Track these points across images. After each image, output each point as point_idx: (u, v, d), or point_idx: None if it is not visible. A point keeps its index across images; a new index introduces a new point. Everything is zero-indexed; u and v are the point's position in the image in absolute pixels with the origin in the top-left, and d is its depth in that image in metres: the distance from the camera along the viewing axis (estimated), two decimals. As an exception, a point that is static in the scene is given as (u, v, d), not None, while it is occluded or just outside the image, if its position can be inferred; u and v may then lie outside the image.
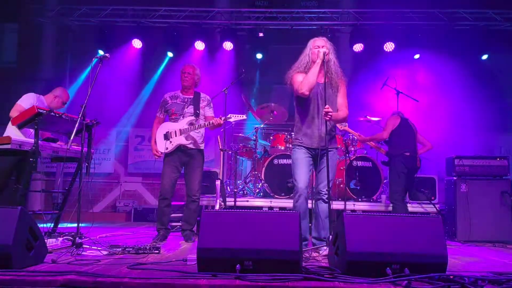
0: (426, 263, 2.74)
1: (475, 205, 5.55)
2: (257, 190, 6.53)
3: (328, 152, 3.97)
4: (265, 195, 6.36)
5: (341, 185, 6.24)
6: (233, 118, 4.85)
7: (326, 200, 4.03)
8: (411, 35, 8.19)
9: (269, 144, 6.93)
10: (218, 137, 5.87)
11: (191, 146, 4.88)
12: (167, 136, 4.88)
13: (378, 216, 3.00)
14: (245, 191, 6.85)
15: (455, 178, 5.75)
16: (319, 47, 4.06)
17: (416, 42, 8.19)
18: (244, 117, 4.99)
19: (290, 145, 6.52)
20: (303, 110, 4.13)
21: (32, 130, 4.14)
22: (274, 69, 8.98)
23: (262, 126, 7.05)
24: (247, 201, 6.10)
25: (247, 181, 7.01)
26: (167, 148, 4.84)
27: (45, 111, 4.03)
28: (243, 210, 3.11)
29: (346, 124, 5.91)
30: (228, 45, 8.50)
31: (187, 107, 4.94)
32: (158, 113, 5.07)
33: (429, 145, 5.99)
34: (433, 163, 6.98)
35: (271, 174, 6.31)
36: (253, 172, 6.78)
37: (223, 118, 4.78)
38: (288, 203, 5.95)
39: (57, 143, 4.50)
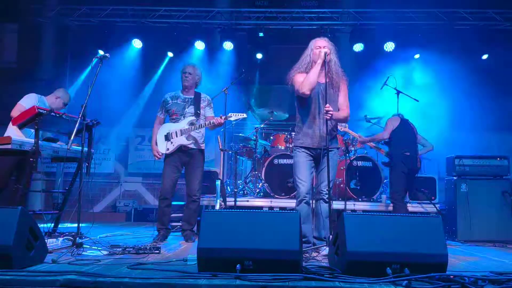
0: (426, 263, 2.74)
1: (475, 205, 5.55)
2: (257, 190, 6.54)
3: (329, 152, 3.97)
4: (266, 195, 6.37)
5: (341, 185, 6.24)
6: (234, 117, 4.85)
7: (327, 200, 4.03)
8: (411, 35, 8.18)
9: (269, 144, 6.93)
10: (218, 137, 5.87)
11: (192, 146, 4.88)
12: (167, 137, 4.88)
13: (378, 216, 3.00)
14: (245, 191, 6.85)
15: (455, 178, 5.75)
16: (320, 47, 4.07)
17: (416, 42, 8.19)
18: (245, 115, 4.99)
19: (291, 145, 6.52)
20: (304, 110, 4.14)
21: (32, 130, 4.14)
22: (274, 69, 8.99)
23: (262, 126, 7.05)
24: (248, 201, 6.10)
25: (247, 181, 7.02)
26: (168, 149, 4.84)
27: (45, 111, 4.03)
28: (243, 210, 3.12)
29: (347, 125, 5.92)
30: (228, 45, 8.50)
31: (187, 107, 4.94)
32: (159, 113, 5.07)
33: (429, 146, 5.99)
34: (433, 163, 6.98)
35: (271, 174, 6.31)
36: (253, 172, 6.78)
37: (223, 117, 4.79)
38: (288, 203, 5.95)
39: (58, 143, 4.50)
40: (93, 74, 4.09)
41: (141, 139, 9.39)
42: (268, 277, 2.58)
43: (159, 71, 9.21)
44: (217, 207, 5.57)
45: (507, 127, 8.54)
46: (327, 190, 4.00)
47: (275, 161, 6.34)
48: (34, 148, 3.98)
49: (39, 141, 4.06)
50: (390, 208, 5.66)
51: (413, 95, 6.61)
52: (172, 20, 8.45)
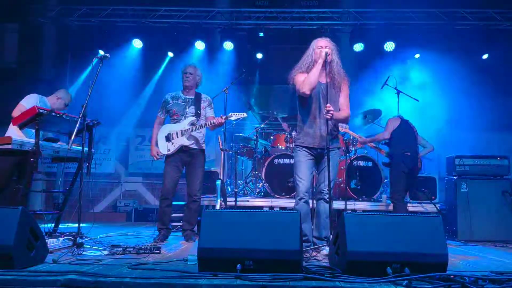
0: (426, 263, 2.74)
1: (475, 205, 5.55)
2: (258, 190, 6.54)
3: (330, 152, 3.98)
4: (266, 195, 6.37)
5: (342, 185, 6.24)
6: (234, 116, 4.85)
7: (327, 199, 4.04)
8: (412, 35, 8.18)
9: (270, 144, 6.93)
10: (219, 137, 5.88)
11: (193, 146, 4.89)
12: (168, 138, 4.88)
13: (378, 215, 3.00)
14: (245, 191, 6.85)
15: (455, 177, 5.75)
16: (322, 47, 4.07)
17: (417, 41, 8.19)
18: (245, 115, 4.99)
19: (291, 145, 6.52)
20: (305, 110, 4.14)
21: (33, 130, 4.14)
22: (274, 69, 9.00)
23: (262, 126, 7.05)
24: (248, 201, 6.10)
25: (247, 181, 7.02)
26: (169, 150, 4.85)
27: (45, 111, 4.03)
28: (243, 210, 3.12)
29: (347, 126, 5.92)
30: (228, 45, 8.51)
31: (188, 108, 4.95)
32: (159, 113, 5.07)
33: (430, 147, 6.00)
34: (434, 162, 6.98)
35: (271, 174, 6.31)
36: (254, 172, 6.78)
37: (224, 117, 4.79)
38: (288, 202, 5.95)
39: (58, 143, 4.50)
40: (94, 74, 4.09)
41: (142, 139, 9.39)
42: (268, 277, 2.58)
43: (160, 71, 9.21)
44: (218, 207, 5.58)
45: (507, 127, 8.54)
46: (327, 190, 4.00)
47: (276, 161, 6.34)
48: (34, 148, 3.98)
49: (40, 141, 4.06)
50: (391, 208, 5.66)
51: (413, 95, 6.61)
52: (172, 20, 8.45)
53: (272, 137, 6.93)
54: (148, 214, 8.37)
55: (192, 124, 4.87)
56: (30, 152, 3.99)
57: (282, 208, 5.98)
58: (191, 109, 4.94)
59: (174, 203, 4.97)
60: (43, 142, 4.24)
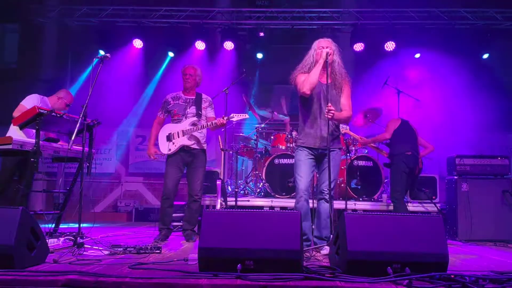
0: (427, 262, 2.74)
1: (476, 204, 5.55)
2: (258, 190, 6.54)
3: (331, 152, 3.98)
4: (266, 195, 6.37)
5: (342, 185, 6.24)
6: (236, 117, 4.86)
7: (328, 199, 4.04)
8: (412, 35, 8.18)
9: (270, 144, 6.93)
10: (219, 137, 5.88)
11: (194, 146, 4.89)
12: (169, 138, 4.88)
13: (379, 215, 3.00)
14: (246, 191, 6.85)
15: (456, 177, 5.75)
16: (323, 48, 4.07)
17: (417, 41, 8.19)
18: (247, 116, 5.00)
19: (291, 145, 6.52)
20: (306, 111, 4.15)
21: (34, 130, 4.14)
22: (275, 68, 8.99)
23: (263, 125, 7.05)
24: (248, 200, 6.10)
25: (248, 181, 7.02)
26: (170, 149, 4.86)
27: (46, 111, 4.03)
28: (244, 210, 3.12)
29: (347, 127, 5.93)
30: (228, 45, 8.51)
31: (189, 108, 4.95)
32: (159, 113, 5.08)
33: (430, 147, 6.00)
34: (434, 162, 6.98)
35: (272, 173, 6.31)
36: (254, 172, 6.78)
37: (225, 118, 4.79)
38: (289, 202, 5.95)
39: (58, 143, 4.50)
40: (94, 74, 4.09)
41: (142, 139, 9.40)
42: (269, 277, 2.58)
43: (160, 71, 9.22)
44: (218, 207, 5.58)
45: (508, 126, 8.54)
46: (328, 190, 4.01)
47: (276, 161, 6.34)
48: (35, 148, 3.98)
49: (40, 141, 4.06)
50: (391, 207, 5.66)
51: (413, 95, 6.62)
52: (172, 20, 8.46)
53: (272, 137, 6.93)
54: (149, 214, 8.37)
55: (194, 124, 4.87)
56: (31, 152, 4.00)
57: (282, 208, 5.98)
58: (192, 109, 4.95)
59: (174, 203, 4.97)
60: (43, 142, 4.25)
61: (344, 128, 5.72)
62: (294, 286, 2.50)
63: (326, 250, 3.85)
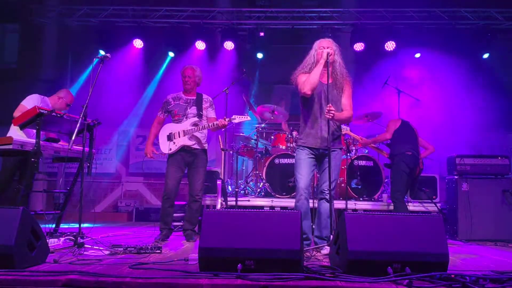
0: (427, 262, 2.74)
1: (476, 204, 5.55)
2: (258, 190, 6.53)
3: (332, 152, 3.99)
4: (266, 195, 6.37)
5: (343, 184, 6.24)
6: (237, 119, 4.86)
7: (329, 199, 4.05)
8: (412, 34, 8.18)
9: (270, 144, 6.93)
10: (219, 136, 5.88)
11: (195, 146, 4.89)
12: (170, 137, 4.88)
13: (379, 215, 3.00)
14: (246, 191, 6.85)
15: (456, 177, 5.75)
16: (323, 48, 4.07)
17: (417, 41, 8.19)
18: (248, 118, 5.00)
19: (291, 145, 6.52)
20: (307, 111, 4.16)
21: (34, 131, 4.14)
22: (275, 68, 8.99)
23: (263, 125, 7.05)
24: (248, 200, 6.10)
25: (248, 181, 7.02)
26: (170, 149, 4.86)
27: (46, 111, 4.04)
28: (244, 210, 3.12)
29: (348, 128, 5.94)
30: (229, 45, 8.51)
31: (189, 108, 4.95)
32: (159, 113, 5.08)
33: (431, 148, 6.00)
34: (435, 162, 6.98)
35: (272, 173, 6.31)
36: (254, 172, 6.78)
37: (227, 120, 4.79)
38: (289, 202, 5.95)
39: (59, 143, 4.51)
40: (94, 74, 4.09)
41: (143, 139, 9.40)
42: (269, 277, 2.58)
43: (160, 71, 9.23)
44: (218, 206, 5.58)
45: (508, 126, 8.54)
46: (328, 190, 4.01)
47: (276, 161, 6.34)
48: (35, 148, 3.99)
49: (41, 141, 4.07)
50: (391, 207, 5.66)
51: (414, 94, 6.62)
52: (172, 20, 8.46)
53: (272, 137, 6.93)
54: (149, 214, 8.37)
55: (195, 124, 4.87)
56: (31, 152, 4.00)
57: (282, 207, 5.98)
58: (192, 110, 4.95)
59: (175, 202, 4.97)
60: (44, 142, 4.25)
61: (344, 129, 5.73)
62: (295, 286, 2.50)
63: (326, 250, 3.84)
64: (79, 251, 3.60)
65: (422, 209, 6.02)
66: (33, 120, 4.02)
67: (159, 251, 3.79)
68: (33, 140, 4.03)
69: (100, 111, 6.02)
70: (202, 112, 4.96)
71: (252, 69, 9.01)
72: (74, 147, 4.30)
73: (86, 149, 4.15)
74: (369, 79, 7.83)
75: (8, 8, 8.83)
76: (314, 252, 3.86)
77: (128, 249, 3.73)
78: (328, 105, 3.91)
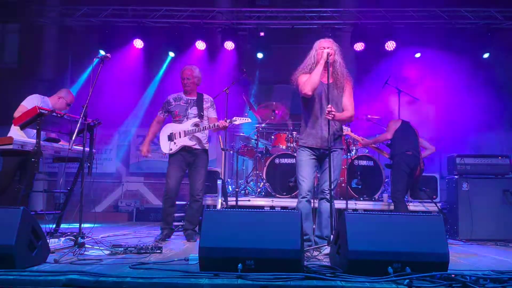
0: (427, 262, 2.74)
1: (476, 204, 5.55)
2: (259, 190, 6.53)
3: (333, 152, 4.01)
4: (267, 195, 6.36)
5: (343, 184, 6.23)
6: (238, 121, 4.86)
7: (329, 199, 4.05)
8: (412, 34, 8.17)
9: (271, 144, 6.93)
10: (220, 136, 5.88)
11: (196, 146, 4.89)
12: (171, 137, 4.89)
13: (379, 215, 3.01)
14: (246, 191, 6.85)
15: (456, 176, 5.75)
16: (324, 48, 4.08)
17: (417, 41, 8.18)
18: (249, 120, 5.00)
19: (292, 145, 6.52)
20: (308, 111, 4.16)
21: (35, 131, 4.14)
22: (275, 68, 9.00)
23: (263, 125, 7.05)
24: (249, 200, 6.10)
25: (248, 181, 7.02)
26: (171, 149, 4.87)
27: (46, 111, 4.04)
28: (244, 210, 3.12)
29: (349, 128, 5.93)
30: (229, 45, 8.51)
31: (190, 108, 4.95)
32: (159, 112, 5.09)
33: (432, 149, 6.00)
34: (435, 162, 6.98)
35: (272, 173, 6.31)
36: (255, 172, 6.78)
37: (228, 121, 4.79)
38: (289, 202, 5.95)
39: (59, 143, 4.51)
40: (94, 74, 4.09)
41: (143, 139, 9.31)
42: (269, 276, 2.58)
43: (161, 71, 9.22)
44: (219, 206, 5.58)
45: (508, 126, 8.53)
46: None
47: (276, 161, 6.34)
48: (35, 148, 3.99)
49: (41, 142, 4.07)
50: (392, 207, 5.65)
51: (414, 94, 6.61)
52: (173, 20, 8.45)
53: (273, 137, 6.93)
54: (150, 214, 8.37)
55: (196, 125, 4.87)
56: (32, 153, 4.00)
57: (283, 207, 5.98)
58: (193, 110, 4.95)
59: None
60: (44, 142, 4.25)
61: (345, 130, 5.73)
62: (295, 285, 2.50)
63: (327, 249, 3.84)
64: (79, 251, 3.60)
65: (423, 209, 6.01)
66: (34, 120, 4.02)
67: (159, 251, 3.79)
68: (34, 140, 4.03)
69: (100, 111, 6.01)
70: (203, 112, 4.96)
71: (252, 69, 9.01)
72: (75, 147, 4.30)
73: (87, 149, 4.16)
74: (370, 79, 7.83)
75: (9, 8, 8.83)
76: (315, 252, 3.86)
77: (129, 249, 3.73)
78: (328, 106, 3.91)
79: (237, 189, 5.81)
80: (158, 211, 7.79)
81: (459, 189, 5.64)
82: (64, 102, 5.05)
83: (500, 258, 4.04)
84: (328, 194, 4.04)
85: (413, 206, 6.02)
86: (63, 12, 8.51)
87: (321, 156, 4.13)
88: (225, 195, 5.71)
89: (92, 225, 4.84)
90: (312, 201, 4.14)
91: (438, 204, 5.93)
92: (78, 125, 3.91)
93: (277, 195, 6.22)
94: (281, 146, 6.65)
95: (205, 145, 4.99)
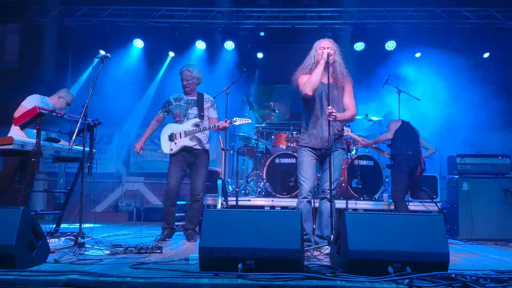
0: (428, 262, 2.73)
1: (477, 204, 5.55)
2: (259, 190, 6.53)
3: (334, 152, 4.02)
4: (267, 195, 6.36)
5: (343, 184, 6.23)
6: (238, 121, 4.87)
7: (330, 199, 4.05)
8: (413, 34, 8.18)
9: (271, 143, 6.93)
10: (220, 136, 5.88)
11: (196, 146, 4.89)
12: (171, 138, 4.89)
13: (379, 214, 3.01)
14: (246, 191, 6.85)
15: (457, 176, 5.75)
16: (324, 48, 4.08)
17: (418, 40, 8.19)
18: (249, 120, 5.00)
19: (292, 144, 6.52)
20: (308, 111, 4.17)
21: (35, 130, 4.14)
22: (275, 68, 9.00)
23: (263, 125, 7.05)
24: (249, 200, 6.10)
25: (248, 181, 7.02)
26: (171, 149, 4.87)
27: (46, 111, 4.04)
28: (245, 210, 3.12)
29: (349, 129, 5.92)
30: (229, 45, 8.51)
31: (190, 109, 4.95)
32: (160, 111, 5.09)
33: (432, 149, 6.00)
34: (435, 161, 6.98)
35: (272, 173, 6.30)
36: (255, 172, 6.78)
37: (228, 121, 4.79)
38: (290, 202, 5.95)
39: (59, 143, 4.51)
40: (95, 74, 4.09)
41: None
42: (269, 276, 2.58)
43: (161, 71, 9.22)
44: (219, 206, 5.58)
45: (508, 125, 8.53)
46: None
47: (277, 161, 6.33)
48: (36, 148, 3.99)
49: (41, 141, 4.07)
50: (392, 207, 5.65)
51: (414, 94, 6.61)
52: (173, 20, 8.46)
53: (273, 137, 6.92)
54: (150, 214, 8.37)
55: (196, 125, 4.88)
56: (32, 152, 4.00)
57: (283, 207, 5.97)
58: (193, 110, 4.95)
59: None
60: (44, 142, 4.25)
61: (345, 130, 5.73)
62: (295, 285, 2.50)
63: (327, 249, 3.84)
64: (79, 251, 3.60)
65: (423, 208, 6.01)
66: (34, 120, 4.02)
67: (159, 251, 3.79)
68: (34, 140, 4.03)
69: (101, 111, 6.01)
70: (203, 112, 4.96)
71: (252, 69, 9.01)
72: (75, 147, 4.30)
73: (87, 149, 4.16)
74: (370, 78, 7.82)
75: (9, 8, 8.83)
76: (315, 252, 3.86)
77: (129, 249, 3.73)
78: (328, 108, 3.91)
79: (237, 189, 5.81)
80: (158, 211, 7.78)
81: (459, 189, 5.64)
82: (64, 102, 5.05)
83: (501, 258, 4.04)
84: (329, 194, 4.04)
85: (413, 206, 6.02)
86: (63, 12, 8.51)
87: (322, 156, 4.14)
88: (225, 195, 5.71)
89: (92, 225, 4.84)
90: (312, 201, 4.15)
91: (439, 204, 5.93)
92: (78, 125, 3.91)
93: (277, 195, 6.22)
94: (281, 146, 6.65)
95: (206, 145, 4.99)
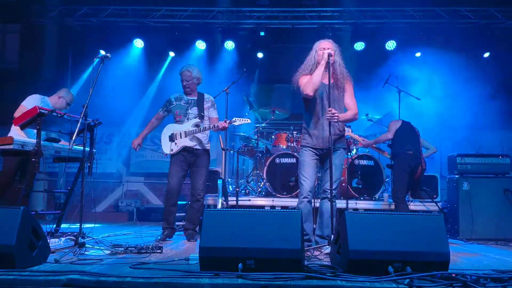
0: (428, 262, 2.73)
1: (477, 203, 5.54)
2: (259, 189, 6.53)
3: (335, 151, 4.04)
4: (267, 194, 6.36)
5: (343, 184, 6.23)
6: (238, 121, 4.87)
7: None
8: (413, 34, 8.17)
9: (271, 143, 6.93)
10: (220, 136, 5.88)
11: (197, 147, 4.90)
12: (172, 138, 4.89)
13: (380, 214, 3.00)
14: (247, 190, 6.85)
15: (457, 176, 5.74)
16: (324, 49, 4.08)
17: (418, 40, 8.19)
18: (249, 121, 5.00)
19: (292, 144, 6.52)
20: (309, 112, 4.18)
21: (35, 130, 4.14)
22: (275, 68, 9.00)
23: (263, 125, 7.05)
24: (249, 200, 6.10)
25: (249, 180, 7.02)
26: (172, 150, 4.88)
27: (46, 111, 4.04)
28: (245, 209, 3.12)
29: (349, 129, 5.92)
30: (229, 45, 8.51)
31: (190, 109, 4.95)
32: (160, 110, 5.10)
33: (433, 149, 6.00)
34: (435, 161, 6.98)
35: (273, 173, 6.31)
36: (255, 171, 6.78)
37: (228, 122, 4.79)
38: (290, 202, 5.95)
39: (60, 143, 4.51)
40: (95, 74, 4.09)
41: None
42: (270, 276, 2.58)
43: (161, 71, 9.22)
44: (219, 206, 5.58)
45: (509, 125, 8.53)
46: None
47: (277, 160, 6.33)
48: (36, 148, 3.99)
49: (41, 141, 4.07)
50: (392, 207, 5.65)
51: (414, 94, 6.61)
52: (173, 20, 8.46)
53: (273, 137, 6.93)
54: (150, 214, 8.37)
55: (196, 125, 4.88)
56: (32, 152, 4.00)
57: (283, 207, 5.97)
58: (193, 110, 4.95)
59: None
60: (44, 142, 4.25)
61: (346, 131, 5.73)
62: (295, 285, 2.50)
63: (327, 249, 3.84)
64: (80, 251, 3.60)
65: (423, 208, 6.01)
66: (34, 120, 4.02)
67: (160, 250, 3.79)
68: (34, 140, 4.03)
69: (101, 111, 6.01)
70: (203, 113, 4.96)
71: (252, 69, 9.01)
72: (75, 147, 4.30)
73: (87, 149, 4.16)
74: (370, 78, 7.82)
75: (9, 8, 8.83)
76: (315, 252, 3.86)
77: (129, 249, 3.73)
78: (329, 109, 3.92)
79: (237, 189, 5.81)
80: (159, 211, 7.78)
81: (459, 188, 5.64)
82: (64, 102, 5.05)
83: (501, 258, 4.04)
84: (330, 194, 4.04)
85: (413, 205, 6.02)
86: (63, 12, 8.51)
87: (323, 156, 4.15)
88: (225, 194, 5.71)
89: (92, 225, 4.84)
90: (313, 201, 4.15)
91: (439, 204, 5.93)
92: (79, 125, 3.91)
93: (278, 195, 6.22)
94: (281, 145, 6.65)
95: (206, 145, 4.99)
